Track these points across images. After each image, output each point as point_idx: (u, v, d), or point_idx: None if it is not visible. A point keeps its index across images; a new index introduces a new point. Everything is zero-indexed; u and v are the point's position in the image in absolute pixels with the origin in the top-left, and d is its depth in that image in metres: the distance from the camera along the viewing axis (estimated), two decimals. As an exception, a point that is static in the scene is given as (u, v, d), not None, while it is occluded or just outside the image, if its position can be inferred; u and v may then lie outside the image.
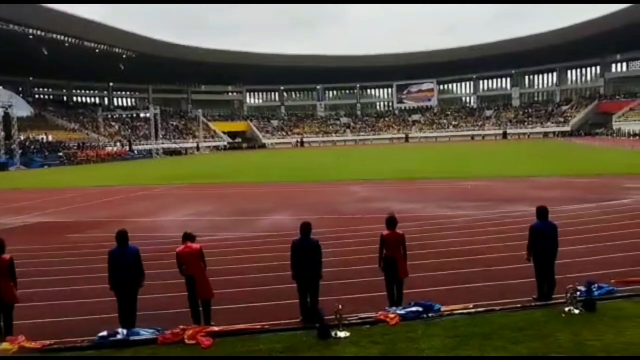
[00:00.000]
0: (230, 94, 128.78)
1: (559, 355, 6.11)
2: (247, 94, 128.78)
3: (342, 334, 6.97)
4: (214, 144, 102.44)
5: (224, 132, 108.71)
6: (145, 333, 7.29)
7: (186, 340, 7.03)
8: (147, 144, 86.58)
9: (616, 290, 8.36)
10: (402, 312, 7.65)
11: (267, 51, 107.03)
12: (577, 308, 7.47)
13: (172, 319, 7.78)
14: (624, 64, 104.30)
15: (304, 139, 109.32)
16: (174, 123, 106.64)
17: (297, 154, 74.04)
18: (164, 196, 26.41)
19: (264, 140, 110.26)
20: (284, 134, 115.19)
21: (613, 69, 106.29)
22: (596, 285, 8.17)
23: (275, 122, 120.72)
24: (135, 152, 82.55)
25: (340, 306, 7.14)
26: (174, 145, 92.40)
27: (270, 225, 16.39)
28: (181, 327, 7.29)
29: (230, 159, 64.23)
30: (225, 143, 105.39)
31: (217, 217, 18.77)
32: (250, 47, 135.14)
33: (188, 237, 8.00)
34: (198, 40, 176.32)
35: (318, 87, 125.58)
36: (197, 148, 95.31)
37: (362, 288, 9.22)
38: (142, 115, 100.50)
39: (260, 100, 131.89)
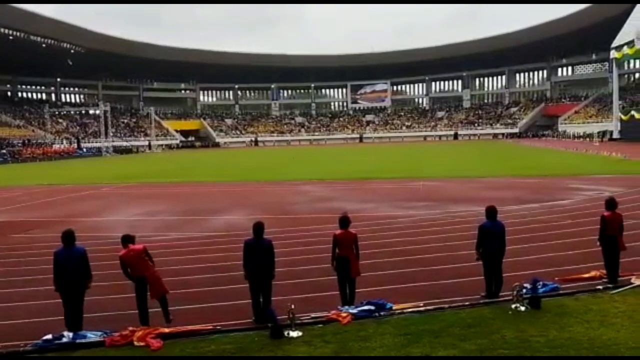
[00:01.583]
0: (183, 91, 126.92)
1: (504, 356, 6.27)
2: (201, 92, 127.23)
3: (294, 333, 6.98)
4: (166, 142, 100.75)
5: (176, 131, 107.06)
6: (92, 336, 7.10)
7: (135, 343, 6.89)
8: (96, 142, 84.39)
9: (560, 287, 8.65)
10: (355, 311, 7.71)
11: (221, 49, 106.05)
12: (523, 305, 7.70)
13: (121, 321, 7.60)
14: (569, 68, 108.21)
15: (258, 139, 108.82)
16: (125, 120, 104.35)
17: (251, 153, 73.62)
18: (113, 195, 25.79)
19: (218, 139, 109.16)
20: (238, 133, 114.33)
21: (559, 73, 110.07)
22: (541, 283, 8.42)
23: (229, 121, 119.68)
24: (84, 150, 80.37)
25: (292, 306, 7.14)
26: (124, 144, 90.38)
27: (223, 225, 16.23)
28: (130, 329, 7.14)
29: (183, 158, 63.29)
30: (178, 142, 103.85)
31: (168, 216, 18.45)
32: (206, 45, 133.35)
33: (128, 239, 7.83)
34: (153, 37, 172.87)
35: (273, 86, 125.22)
36: (149, 146, 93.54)
37: (314, 287, 9.23)
38: (91, 112, 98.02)
39: (214, 99, 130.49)
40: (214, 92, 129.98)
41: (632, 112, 63.50)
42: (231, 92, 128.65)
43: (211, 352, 6.62)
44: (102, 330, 7.26)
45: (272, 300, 7.76)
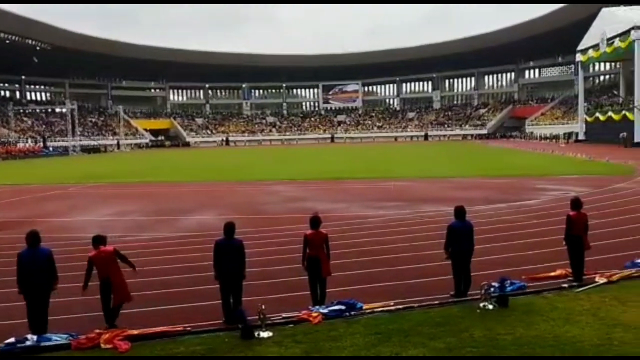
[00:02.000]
0: (153, 90, 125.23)
1: (472, 355, 6.35)
2: (171, 91, 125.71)
3: (265, 334, 6.95)
4: (135, 141, 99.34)
5: (146, 130, 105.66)
6: (57, 339, 6.95)
7: (102, 345, 6.77)
8: (63, 141, 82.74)
9: (527, 286, 8.80)
10: (325, 311, 7.72)
11: (192, 48, 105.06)
12: (491, 304, 7.81)
13: (87, 323, 7.47)
14: (537, 71, 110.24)
15: (230, 138, 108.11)
16: (93, 119, 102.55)
17: (222, 153, 73.14)
18: (81, 195, 25.32)
19: (189, 139, 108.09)
20: (209, 132, 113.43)
21: (526, 75, 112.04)
22: (509, 281, 8.56)
23: (200, 121, 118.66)
24: (51, 149, 78.72)
25: (263, 306, 7.11)
26: (92, 143, 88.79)
27: (194, 225, 16.10)
28: (97, 331, 7.02)
29: (153, 158, 62.51)
30: (148, 141, 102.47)
31: (139, 217, 18.21)
32: (176, 43, 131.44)
33: (99, 240, 7.70)
34: (123, 35, 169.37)
35: (244, 85, 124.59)
36: (118, 146, 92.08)
37: (285, 288, 9.22)
38: (57, 110, 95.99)
39: (185, 98, 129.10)
40: (184, 91, 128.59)
41: (597, 114, 64.99)
42: (202, 91, 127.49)
43: (181, 353, 6.56)
44: (67, 332, 7.11)
45: (242, 301, 7.72)
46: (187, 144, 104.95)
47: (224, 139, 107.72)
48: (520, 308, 7.77)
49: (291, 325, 7.35)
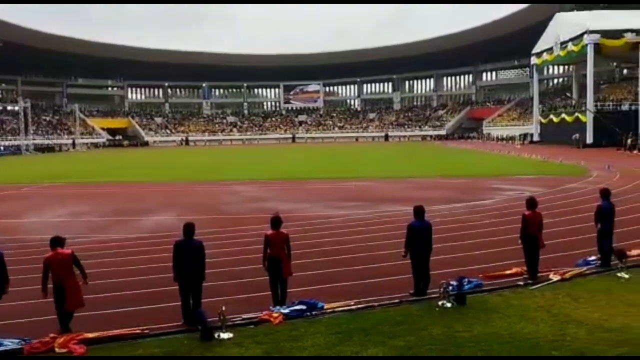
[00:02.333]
0: (110, 89, 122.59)
1: (431, 355, 6.44)
2: (129, 89, 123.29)
3: (225, 335, 6.90)
4: (92, 141, 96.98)
5: (103, 129, 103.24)
6: (9, 344, 6.73)
7: (57, 349, 6.59)
8: (15, 140, 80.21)
9: (484, 284, 8.99)
10: (286, 311, 7.72)
11: (151, 46, 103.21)
12: (449, 302, 7.94)
13: (40, 328, 7.25)
14: (493, 73, 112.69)
15: (189, 138, 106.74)
16: (47, 118, 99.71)
17: (182, 152, 72.22)
18: (35, 196, 24.60)
19: (147, 138, 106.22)
20: (168, 132, 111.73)
21: (484, 78, 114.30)
22: (466, 280, 8.72)
23: (159, 120, 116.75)
24: (2, 148, 76.22)
25: (223, 307, 7.06)
26: (47, 142, 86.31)
27: (153, 226, 15.84)
28: (51, 335, 6.83)
29: (110, 157, 61.21)
30: (105, 140, 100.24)
31: (94, 217, 17.80)
32: (135, 41, 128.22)
33: (57, 242, 7.48)
34: (79, 32, 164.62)
35: (204, 84, 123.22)
36: (73, 145, 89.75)
37: (246, 288, 9.17)
38: (9, 108, 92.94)
39: (143, 97, 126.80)
40: (142, 89, 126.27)
41: (551, 116, 66.77)
42: (161, 90, 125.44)
43: (139, 356, 6.44)
44: (20, 337, 6.89)
45: (202, 302, 7.64)
46: (145, 144, 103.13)
47: (184, 138, 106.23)
48: (477, 306, 7.93)
49: (252, 326, 7.31)
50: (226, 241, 13.13)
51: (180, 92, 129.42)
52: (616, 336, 6.59)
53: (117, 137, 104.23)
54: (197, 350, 6.59)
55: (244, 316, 7.59)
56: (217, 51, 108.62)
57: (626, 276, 9.14)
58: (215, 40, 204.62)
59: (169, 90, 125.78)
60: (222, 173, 34.64)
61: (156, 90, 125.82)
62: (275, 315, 7.57)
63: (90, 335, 6.92)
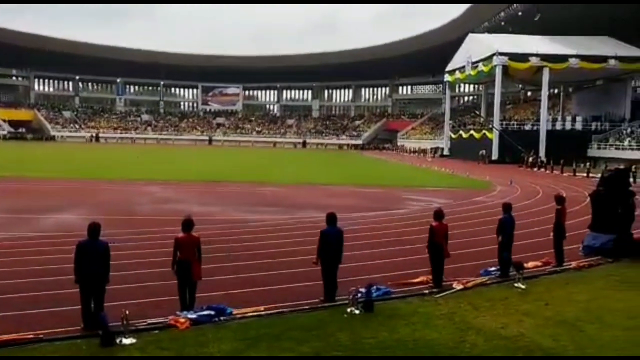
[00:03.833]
0: (14, 78, 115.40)
1: (339, 356, 6.52)
2: (36, 80, 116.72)
3: (127, 340, 6.65)
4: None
5: (4, 121, 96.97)
6: None
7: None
8: None
9: (392, 291, 9.22)
10: (194, 316, 7.55)
11: (63, 36, 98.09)
12: (357, 309, 8.08)
13: None
14: (409, 87, 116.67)
15: (100, 134, 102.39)
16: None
17: (91, 149, 69.18)
18: None
19: (54, 133, 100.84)
20: (78, 127, 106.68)
21: (400, 91, 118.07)
22: (375, 287, 8.91)
23: (67, 114, 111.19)
24: None
25: (127, 311, 6.79)
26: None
27: (55, 225, 15.06)
28: None
29: (11, 151, 57.57)
30: (6, 133, 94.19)
31: (-11, 214, 16.66)
32: (47, 31, 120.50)
33: None
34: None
35: (118, 80, 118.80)
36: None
37: (153, 292, 8.89)
38: None
39: (52, 89, 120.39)
40: (51, 81, 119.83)
41: (461, 132, 69.82)
42: (71, 83, 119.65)
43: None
44: None
45: (104, 306, 7.31)
46: (51, 138, 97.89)
47: (94, 135, 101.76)
48: (384, 313, 8.11)
49: (157, 331, 7.09)
50: (134, 243, 12.69)
51: (93, 86, 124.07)
52: (511, 343, 6.96)
53: (20, 130, 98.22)
54: (96, 356, 6.31)
55: (149, 321, 7.34)
56: (133, 47, 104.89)
57: (522, 287, 9.68)
58: (133, 36, 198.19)
59: (80, 83, 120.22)
60: (133, 172, 33.49)
61: (66, 82, 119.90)
62: (182, 320, 7.39)
63: (-22, 340, 6.46)
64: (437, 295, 9.10)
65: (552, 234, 11.84)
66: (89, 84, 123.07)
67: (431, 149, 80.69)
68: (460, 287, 9.55)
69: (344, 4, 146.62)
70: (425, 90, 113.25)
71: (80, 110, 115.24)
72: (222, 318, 7.66)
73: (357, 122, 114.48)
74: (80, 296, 7.31)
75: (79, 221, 14.80)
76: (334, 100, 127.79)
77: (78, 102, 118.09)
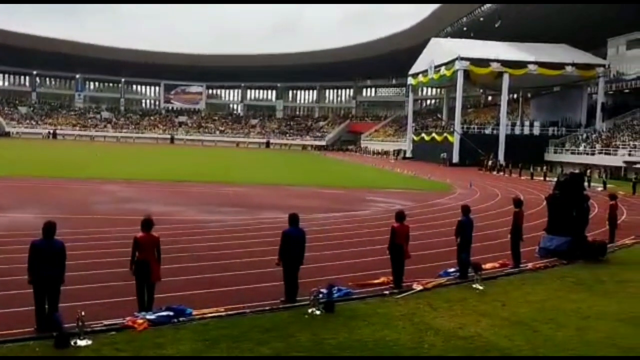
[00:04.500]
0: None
1: (300, 355, 6.52)
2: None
3: (82, 342, 6.49)
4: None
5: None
6: None
7: None
8: None
9: (353, 292, 9.26)
10: (152, 317, 7.43)
11: (18, 29, 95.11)
12: (318, 309, 8.09)
13: None
14: (373, 90, 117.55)
15: (58, 131, 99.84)
16: None
17: (48, 146, 67.41)
18: None
19: (9, 129, 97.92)
20: (34, 123, 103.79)
21: (364, 93, 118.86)
22: (336, 288, 8.94)
23: (23, 110, 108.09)
24: None
25: (82, 312, 6.63)
26: None
27: (8, 224, 14.59)
28: None
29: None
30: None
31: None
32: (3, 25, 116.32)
33: None
34: None
35: (77, 76, 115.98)
36: None
37: (110, 293, 8.71)
38: None
39: (7, 84, 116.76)
40: (6, 75, 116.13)
41: (423, 135, 70.68)
42: (27, 78, 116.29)
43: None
44: None
45: (59, 307, 7.12)
46: (6, 134, 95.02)
47: (51, 131, 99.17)
48: (345, 313, 8.14)
49: (113, 333, 6.95)
50: (91, 242, 12.43)
51: (51, 81, 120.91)
52: (468, 343, 7.08)
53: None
54: (50, 356, 6.14)
55: (106, 322, 7.19)
56: (94, 42, 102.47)
57: (480, 287, 9.86)
58: (95, 32, 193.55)
59: (37, 78, 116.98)
60: (92, 170, 32.77)
61: (22, 77, 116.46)
62: (139, 321, 7.26)
63: None
64: (397, 296, 9.18)
65: (509, 236, 12.09)
66: (47, 79, 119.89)
67: (394, 151, 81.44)
68: (420, 287, 9.66)
69: (310, 4, 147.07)
70: (388, 93, 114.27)
71: (37, 106, 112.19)
72: (181, 319, 7.56)
73: (321, 123, 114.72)
74: (34, 297, 7.09)
75: (33, 220, 14.39)
76: (298, 101, 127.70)
77: (35, 98, 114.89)
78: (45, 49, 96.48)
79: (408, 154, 74.94)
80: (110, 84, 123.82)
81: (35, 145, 66.05)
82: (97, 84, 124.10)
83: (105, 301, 8.31)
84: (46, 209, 17.29)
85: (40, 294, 7.06)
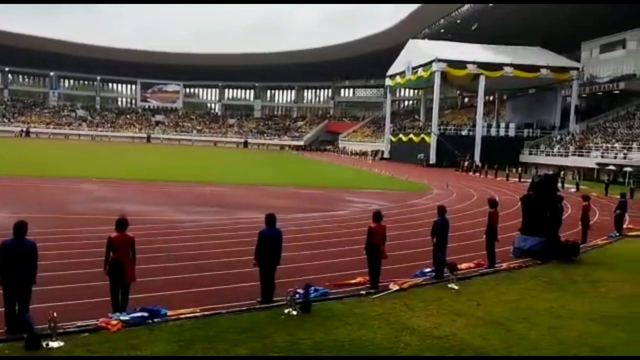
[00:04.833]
0: None
1: (276, 355, 6.50)
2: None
3: (55, 344, 6.38)
4: None
5: None
6: None
7: None
8: None
9: (329, 292, 9.26)
10: (126, 318, 7.34)
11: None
12: (295, 309, 8.07)
13: None
14: (351, 90, 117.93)
15: (31, 129, 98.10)
16: None
17: (20, 144, 66.21)
18: None
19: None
20: (6, 121, 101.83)
21: (342, 94, 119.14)
22: (313, 288, 8.93)
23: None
24: None
25: (54, 313, 6.51)
26: None
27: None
28: None
29: None
30: None
31: None
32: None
33: None
34: None
35: (52, 74, 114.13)
36: None
37: (83, 293, 8.58)
38: None
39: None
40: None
41: (400, 135, 71.15)
42: (0, 75, 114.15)
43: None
44: None
45: (30, 308, 6.98)
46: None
47: (24, 129, 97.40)
48: (321, 313, 8.14)
49: (86, 334, 6.84)
50: (64, 242, 12.23)
51: (24, 79, 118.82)
52: (443, 343, 7.13)
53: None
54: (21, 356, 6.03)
55: (78, 323, 7.07)
56: (69, 39, 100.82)
57: (456, 287, 9.94)
58: (70, 30, 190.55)
59: (10, 75, 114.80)
60: (69, 169, 32.26)
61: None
62: (113, 322, 7.16)
63: None
64: (374, 296, 9.21)
65: (484, 236, 12.22)
66: (20, 76, 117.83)
67: (372, 151, 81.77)
68: (396, 287, 9.70)
69: (289, 4, 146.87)
70: (367, 94, 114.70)
71: (9, 103, 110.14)
72: (156, 320, 7.48)
73: (299, 123, 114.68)
74: (4, 298, 6.96)
75: (4, 220, 14.10)
76: (276, 100, 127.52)
77: (7, 95, 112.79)
78: (18, 45, 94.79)
79: (386, 155, 75.34)
80: (86, 82, 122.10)
81: (6, 144, 64.77)
82: (72, 81, 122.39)
83: (79, 302, 8.19)
84: (19, 208, 16.95)
85: (11, 294, 6.91)
